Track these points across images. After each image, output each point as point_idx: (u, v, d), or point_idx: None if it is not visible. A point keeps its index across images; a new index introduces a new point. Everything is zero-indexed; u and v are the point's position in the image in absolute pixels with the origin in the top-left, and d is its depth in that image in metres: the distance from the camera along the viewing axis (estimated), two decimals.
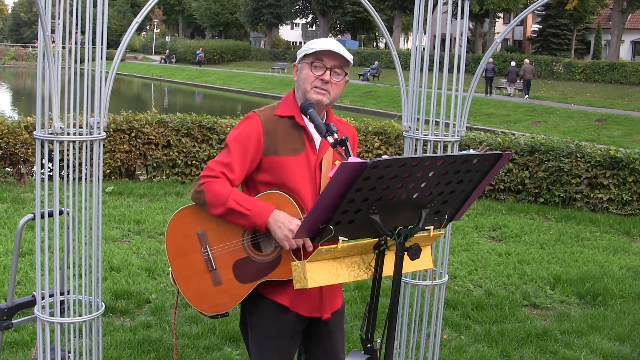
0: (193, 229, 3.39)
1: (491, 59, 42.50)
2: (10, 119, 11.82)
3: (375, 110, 34.33)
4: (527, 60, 41.07)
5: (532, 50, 68.08)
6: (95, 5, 3.58)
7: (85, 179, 3.70)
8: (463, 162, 2.81)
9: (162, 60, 75.70)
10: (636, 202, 11.39)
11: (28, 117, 11.92)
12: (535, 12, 69.06)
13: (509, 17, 73.15)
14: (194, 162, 12.22)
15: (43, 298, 3.76)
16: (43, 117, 3.58)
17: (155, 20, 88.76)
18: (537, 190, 11.89)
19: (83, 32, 3.75)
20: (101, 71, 3.65)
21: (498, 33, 71.03)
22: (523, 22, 75.04)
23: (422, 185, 2.78)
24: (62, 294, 3.81)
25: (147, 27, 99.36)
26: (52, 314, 3.78)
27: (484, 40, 63.40)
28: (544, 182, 11.78)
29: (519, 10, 70.67)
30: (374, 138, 12.55)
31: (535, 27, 70.92)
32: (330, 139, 3.19)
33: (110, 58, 3.50)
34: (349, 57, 3.35)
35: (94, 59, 3.75)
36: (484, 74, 39.48)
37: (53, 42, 3.52)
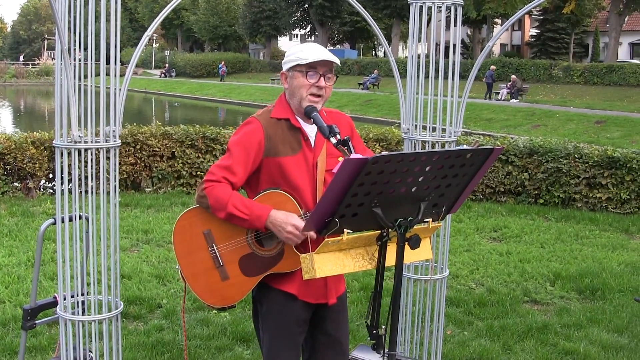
0: (199, 229, 3.63)
1: (493, 67, 43.13)
2: (17, 135, 11.95)
3: (375, 119, 34.42)
4: (513, 76, 42.46)
5: (530, 54, 68.29)
6: (108, 21, 3.80)
7: (102, 184, 3.92)
8: (457, 157, 3.01)
9: (162, 75, 75.89)
10: (634, 200, 11.58)
11: (35, 133, 12.00)
12: (533, 16, 69.35)
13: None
14: (198, 172, 12.39)
15: (65, 298, 3.97)
16: (62, 127, 3.79)
17: (154, 34, 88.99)
18: (536, 192, 12.07)
19: (86, 48, 3.95)
20: (116, 84, 3.88)
21: None
22: (521, 27, 75.37)
23: (420, 179, 2.98)
24: (82, 295, 4.02)
25: (147, 42, 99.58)
26: (73, 314, 3.99)
27: (482, 46, 63.61)
28: (543, 184, 11.96)
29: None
30: (375, 144, 12.74)
31: (534, 31, 71.17)
32: (334, 140, 3.40)
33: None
34: (337, 61, 3.59)
35: (107, 74, 3.96)
36: (484, 80, 40.58)
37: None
